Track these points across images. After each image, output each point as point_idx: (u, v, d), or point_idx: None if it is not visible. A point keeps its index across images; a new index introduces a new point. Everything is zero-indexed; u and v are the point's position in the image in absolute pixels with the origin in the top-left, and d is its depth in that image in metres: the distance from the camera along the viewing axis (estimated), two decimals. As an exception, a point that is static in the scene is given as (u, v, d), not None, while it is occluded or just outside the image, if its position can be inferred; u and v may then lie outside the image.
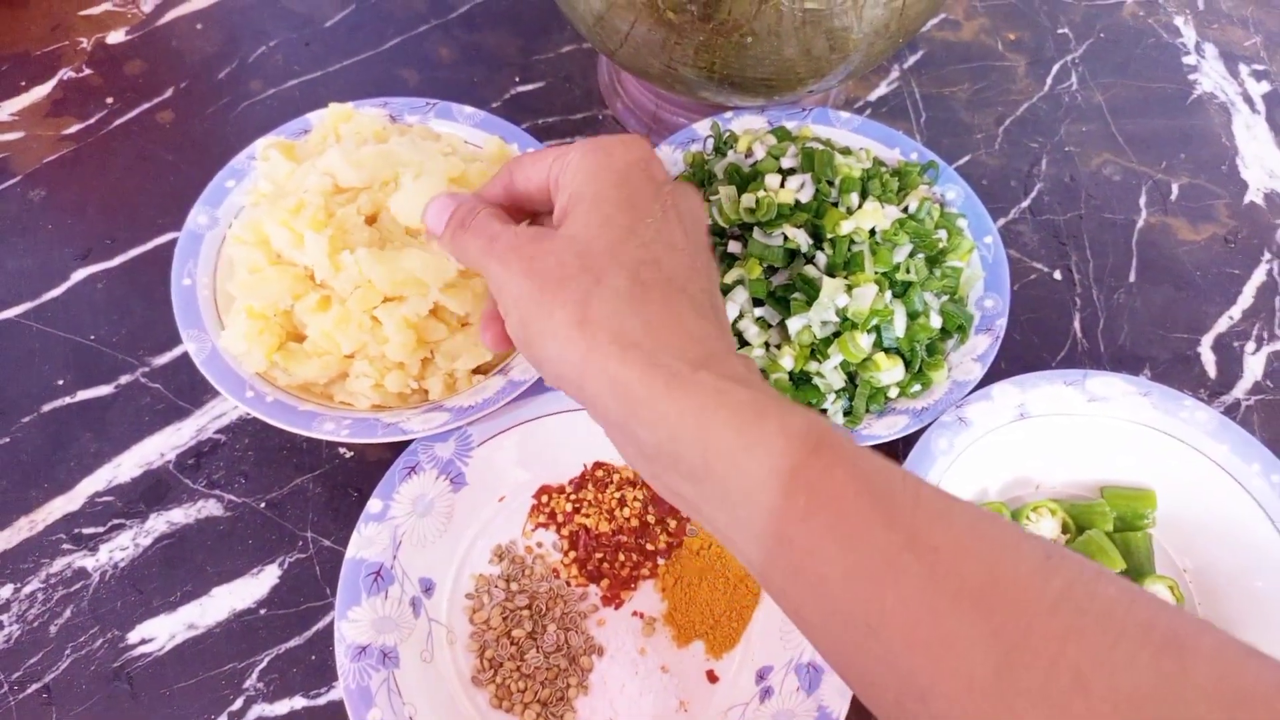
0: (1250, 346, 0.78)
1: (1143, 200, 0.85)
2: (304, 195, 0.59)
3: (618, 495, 0.66)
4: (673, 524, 0.66)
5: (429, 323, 0.61)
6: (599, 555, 0.65)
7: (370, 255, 0.58)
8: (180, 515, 0.66)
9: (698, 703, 0.61)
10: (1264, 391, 0.76)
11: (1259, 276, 0.82)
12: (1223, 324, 0.80)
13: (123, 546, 0.65)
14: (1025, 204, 0.84)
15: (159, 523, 0.66)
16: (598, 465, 0.68)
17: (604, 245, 0.41)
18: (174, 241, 0.66)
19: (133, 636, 0.62)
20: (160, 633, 0.62)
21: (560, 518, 0.66)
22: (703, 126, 0.73)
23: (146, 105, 0.84)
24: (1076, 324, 0.78)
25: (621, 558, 0.65)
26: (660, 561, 0.65)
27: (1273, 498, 0.62)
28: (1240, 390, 0.76)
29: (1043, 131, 0.89)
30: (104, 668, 0.61)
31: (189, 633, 0.62)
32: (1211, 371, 0.77)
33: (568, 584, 0.64)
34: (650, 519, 0.66)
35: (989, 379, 0.65)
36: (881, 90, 0.90)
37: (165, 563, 0.64)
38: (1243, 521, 0.63)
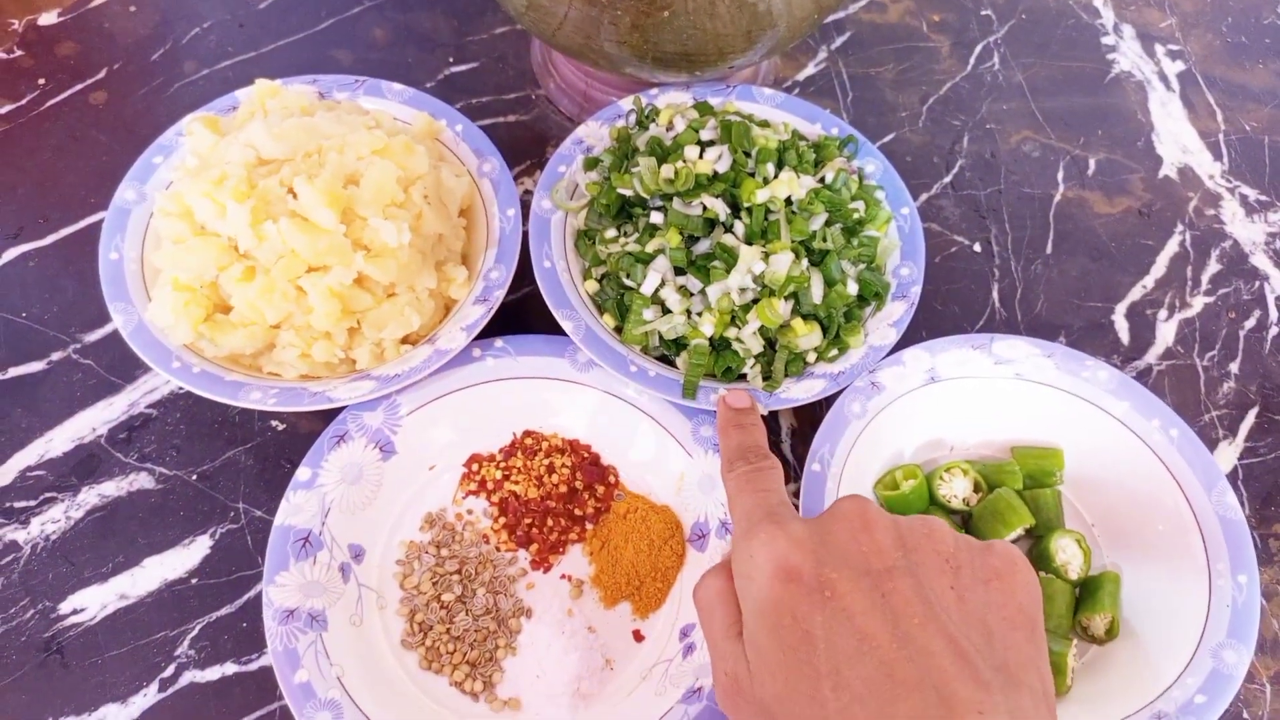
0: (1162, 314, 0.81)
1: (1060, 175, 0.88)
2: (226, 167, 0.60)
3: (546, 462, 0.68)
4: (600, 490, 0.68)
5: (354, 292, 0.62)
6: (528, 521, 0.66)
7: (293, 225, 0.58)
8: (112, 488, 0.67)
9: (623, 660, 0.63)
10: (1175, 357, 0.79)
11: (1172, 247, 0.85)
12: (1136, 293, 0.82)
13: (54, 519, 0.65)
14: (947, 179, 0.86)
15: (90, 495, 0.66)
16: (527, 433, 0.69)
17: None
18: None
19: (64, 607, 0.63)
20: (92, 603, 0.63)
21: (490, 485, 0.67)
22: (628, 102, 0.75)
23: (79, 86, 0.84)
24: (995, 294, 0.81)
25: (550, 523, 0.66)
26: (588, 526, 0.67)
27: (1170, 450, 0.64)
28: (1152, 356, 0.79)
29: (965, 110, 0.91)
30: (35, 638, 0.61)
31: (120, 602, 0.63)
32: (1125, 338, 0.80)
33: (497, 549, 0.66)
34: (578, 485, 0.67)
35: (909, 346, 0.67)
36: (809, 70, 0.92)
37: (97, 534, 0.65)
38: (1144, 473, 0.65)
